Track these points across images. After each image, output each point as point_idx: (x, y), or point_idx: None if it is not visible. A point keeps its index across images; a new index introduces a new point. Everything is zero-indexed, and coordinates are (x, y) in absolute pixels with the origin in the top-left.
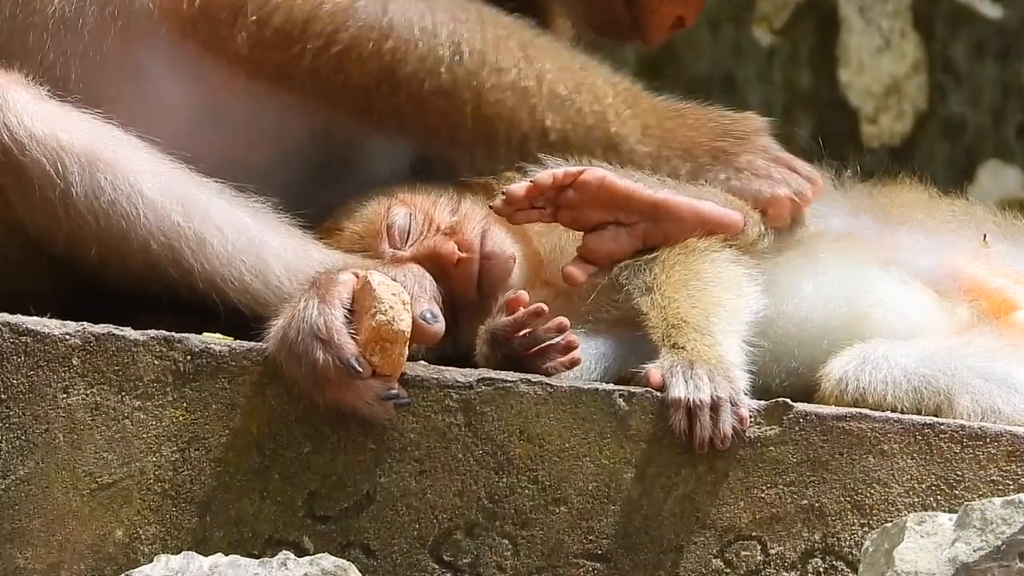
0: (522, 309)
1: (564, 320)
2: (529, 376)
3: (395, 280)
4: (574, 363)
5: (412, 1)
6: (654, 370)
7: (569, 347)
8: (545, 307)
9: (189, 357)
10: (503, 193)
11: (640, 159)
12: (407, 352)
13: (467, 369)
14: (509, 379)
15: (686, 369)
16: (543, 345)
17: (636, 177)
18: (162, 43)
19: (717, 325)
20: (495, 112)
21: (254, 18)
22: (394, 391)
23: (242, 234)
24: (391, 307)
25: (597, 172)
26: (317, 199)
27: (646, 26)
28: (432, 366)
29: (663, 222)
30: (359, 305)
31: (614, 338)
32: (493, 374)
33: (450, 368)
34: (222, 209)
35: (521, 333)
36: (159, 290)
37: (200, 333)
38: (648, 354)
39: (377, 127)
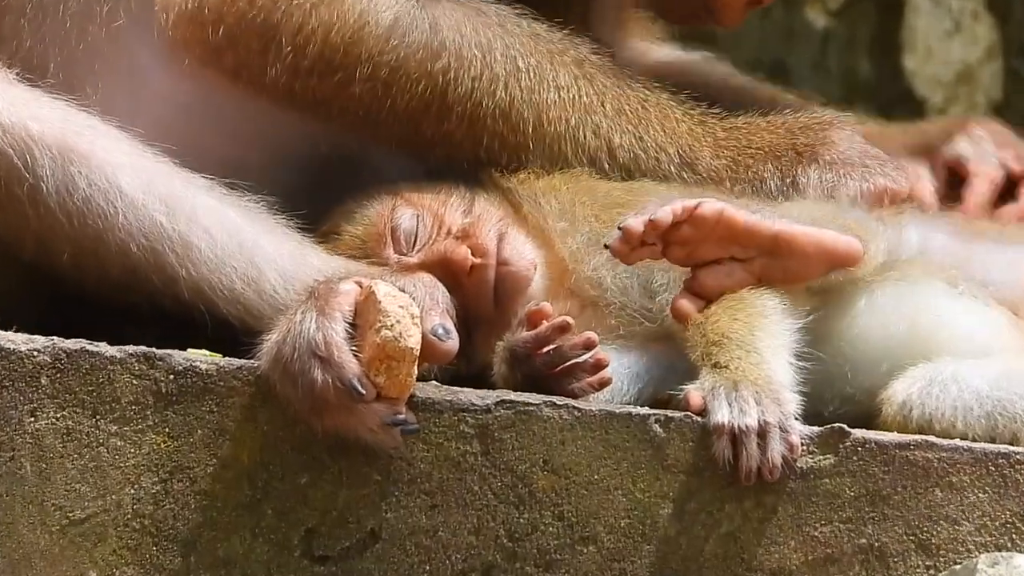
0: (545, 323)
1: (592, 335)
2: (554, 398)
3: (403, 291)
4: (604, 383)
5: (463, 16)
6: (694, 392)
7: (598, 365)
8: (571, 320)
9: (172, 376)
10: (620, 229)
11: (719, 173)
12: (416, 372)
13: (484, 390)
14: (532, 402)
15: (730, 391)
16: (569, 363)
17: (753, 207)
18: (152, 36)
19: (763, 341)
20: (557, 132)
21: (289, 48)
22: (401, 416)
23: (233, 237)
24: (398, 321)
25: (715, 204)
26: (318, 199)
27: (719, 7)
28: (445, 387)
29: (783, 257)
30: (362, 319)
31: (649, 355)
32: (513, 396)
33: (465, 389)
34: (211, 209)
35: (544, 350)
36: (139, 299)
37: (185, 349)
38: (687, 374)
39: (424, 153)
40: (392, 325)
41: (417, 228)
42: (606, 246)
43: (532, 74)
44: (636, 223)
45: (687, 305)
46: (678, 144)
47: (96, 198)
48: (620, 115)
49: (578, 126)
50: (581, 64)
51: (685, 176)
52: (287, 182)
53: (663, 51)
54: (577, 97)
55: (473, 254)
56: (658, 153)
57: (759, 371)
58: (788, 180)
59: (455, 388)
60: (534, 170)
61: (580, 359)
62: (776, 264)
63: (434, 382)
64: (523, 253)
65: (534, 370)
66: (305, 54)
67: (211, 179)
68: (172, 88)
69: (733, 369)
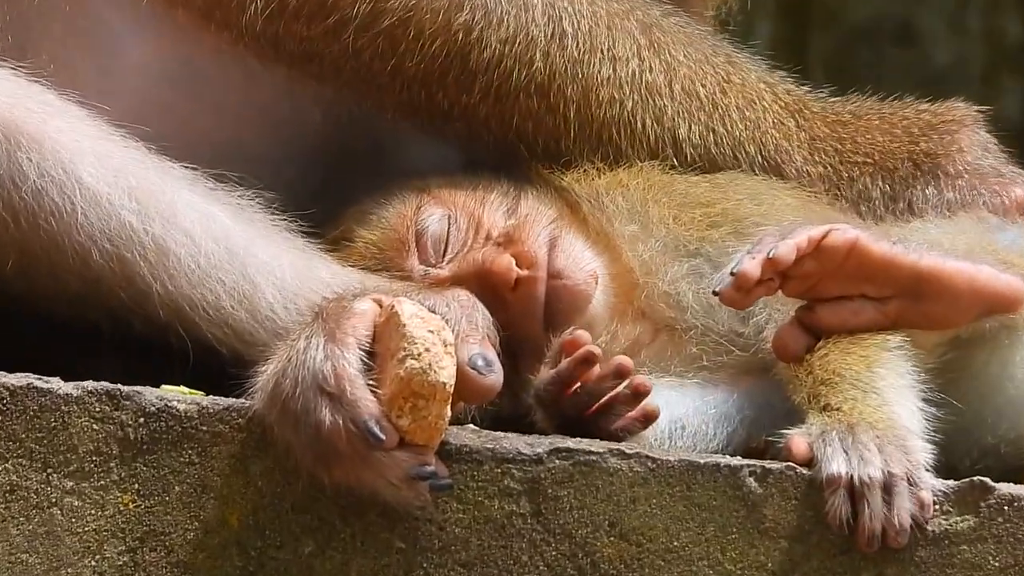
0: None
1: (624, 360)
2: (622, 446)
3: (433, 311)
4: (649, 417)
5: None
6: (798, 438)
7: (638, 394)
8: (596, 350)
9: (142, 419)
10: (733, 275)
11: (813, 183)
12: (449, 413)
13: (534, 436)
14: (594, 450)
15: (844, 436)
16: (605, 399)
17: (895, 236)
18: None
19: (885, 380)
20: (608, 117)
21: None
22: (430, 467)
23: (221, 242)
24: (427, 349)
25: (847, 233)
26: (329, 195)
27: None
28: (485, 432)
29: (928, 300)
30: (382, 346)
31: (740, 392)
32: (571, 443)
33: (510, 435)
34: (194, 207)
35: (571, 390)
36: (102, 320)
37: (158, 385)
38: (789, 415)
39: (437, 131)
40: (419, 354)
41: (449, 232)
42: (715, 293)
43: (581, 40)
44: (752, 266)
45: (794, 340)
46: (761, 140)
47: (49, 191)
48: (691, 99)
49: (636, 111)
50: (648, 30)
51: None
52: (290, 174)
53: None
54: (637, 73)
55: (518, 264)
56: (735, 150)
57: (880, 413)
58: (902, 200)
59: (498, 433)
60: (593, 166)
61: (615, 392)
62: (917, 307)
63: (471, 425)
64: (581, 262)
65: (566, 415)
66: None
67: (195, 169)
68: (147, 56)
69: (848, 411)
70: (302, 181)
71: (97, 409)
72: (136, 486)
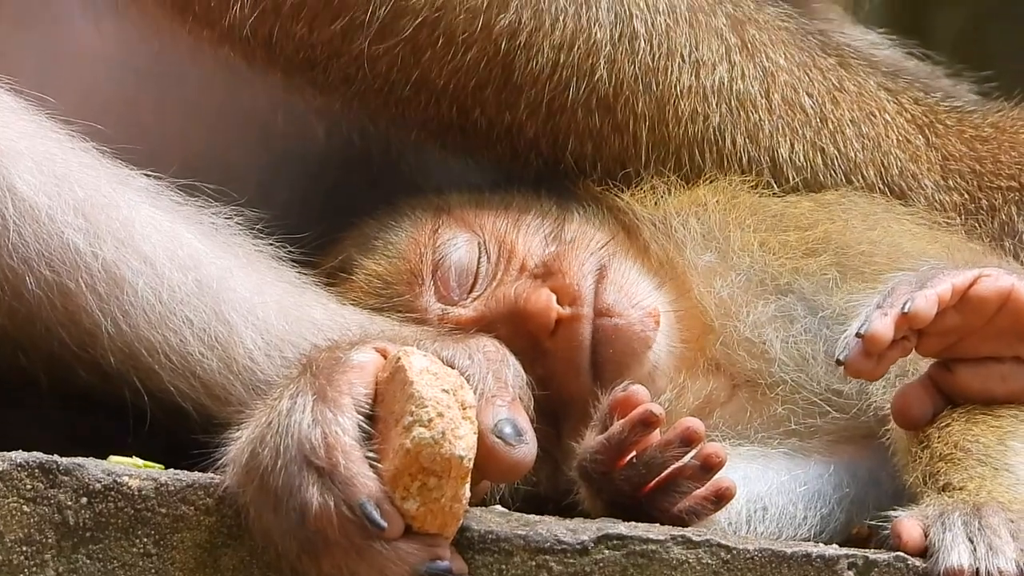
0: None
1: (693, 424)
2: (687, 532)
3: (451, 365)
4: (723, 496)
5: None
6: (910, 522)
7: (709, 466)
8: (657, 410)
9: (85, 499)
10: (860, 336)
11: (947, 212)
12: (468, 493)
13: (577, 519)
14: (653, 536)
15: (969, 519)
16: (667, 473)
17: None
18: None
19: (1021, 455)
20: (690, 135)
21: None
22: (443, 562)
23: (190, 272)
24: (439, 414)
25: (1000, 281)
26: (329, 215)
27: None
28: (517, 514)
29: None
30: (386, 409)
31: (839, 465)
32: (624, 528)
33: (547, 518)
34: (156, 226)
35: (625, 460)
36: (38, 366)
37: (105, 456)
38: (897, 495)
39: (472, 153)
40: (430, 420)
41: (477, 263)
42: (839, 362)
43: (656, 43)
44: (884, 326)
45: (920, 404)
46: (883, 162)
47: None
48: (794, 111)
49: (724, 127)
50: (740, 27)
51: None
52: (279, 187)
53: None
54: (726, 81)
55: (559, 301)
56: (850, 174)
57: (1014, 493)
58: None
59: (532, 516)
60: (662, 180)
61: (681, 463)
62: None
63: (499, 507)
64: (637, 297)
65: (617, 493)
66: None
67: (160, 179)
68: (106, 43)
69: (973, 490)
70: (293, 196)
71: (28, 487)
72: None
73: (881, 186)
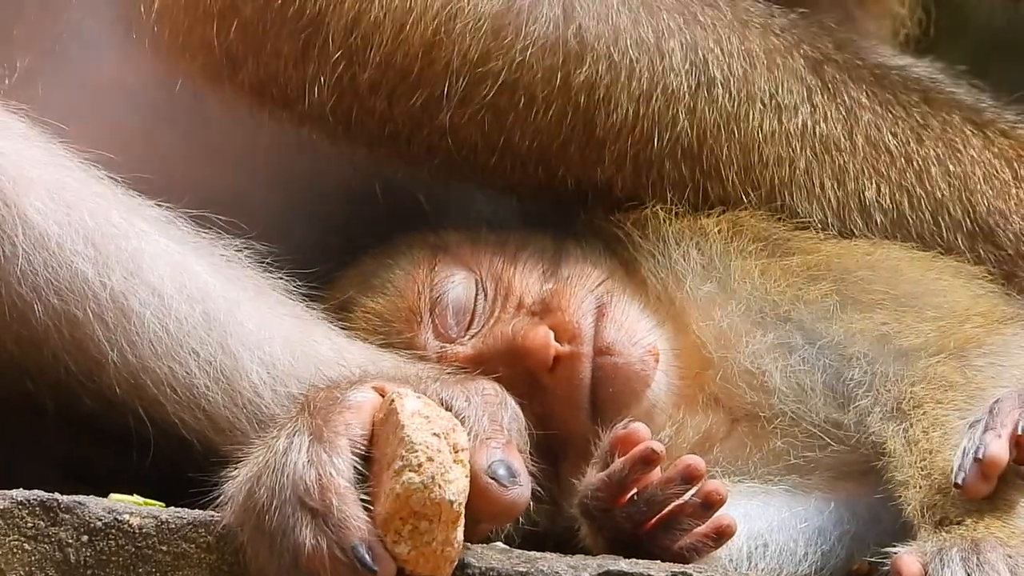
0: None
1: (694, 461)
2: (689, 569)
3: (449, 407)
4: (723, 534)
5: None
6: (909, 558)
7: (710, 503)
8: (657, 447)
9: (86, 537)
10: (979, 460)
11: None
12: (460, 536)
13: (579, 556)
14: (654, 574)
15: (967, 555)
16: (667, 510)
17: None
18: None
19: (1018, 489)
20: (777, 180)
21: (340, 52)
22: None
23: (197, 304)
24: (429, 459)
25: None
26: (341, 249)
27: None
28: (517, 551)
29: None
30: (379, 449)
31: (838, 501)
32: (625, 565)
33: (548, 555)
34: (165, 257)
35: (626, 498)
36: (43, 393)
37: (105, 493)
38: (896, 531)
39: (564, 209)
40: (420, 465)
41: (475, 300)
42: (957, 486)
43: (735, 88)
44: (1000, 449)
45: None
46: (970, 201)
47: None
48: (879, 152)
49: (811, 170)
50: (819, 68)
51: (980, 252)
52: (291, 221)
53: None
54: (810, 124)
55: (558, 338)
56: (936, 214)
57: (1011, 529)
58: None
59: (533, 553)
60: (664, 208)
61: (682, 500)
62: None
63: (500, 544)
64: (636, 335)
65: (618, 530)
66: (365, 61)
67: (170, 210)
68: (124, 68)
69: (971, 525)
70: (307, 230)
71: (29, 524)
72: None
73: (968, 225)
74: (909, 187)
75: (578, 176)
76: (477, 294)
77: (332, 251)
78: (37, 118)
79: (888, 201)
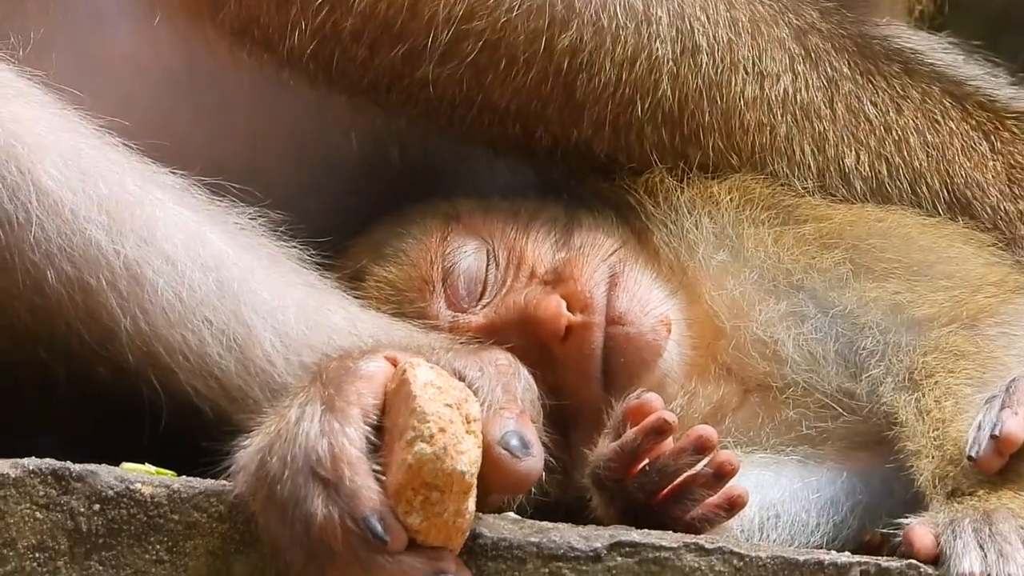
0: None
1: (706, 431)
2: (700, 539)
3: (461, 377)
4: (735, 504)
5: None
6: (922, 529)
7: (722, 474)
8: (670, 417)
9: (98, 506)
10: (995, 438)
11: (1011, 222)
12: (472, 507)
13: (590, 527)
14: (666, 544)
15: (979, 526)
16: (678, 482)
17: None
18: None
19: None
20: (759, 145)
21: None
22: (449, 575)
23: (211, 272)
24: (441, 430)
25: None
26: (355, 218)
27: None
28: (529, 521)
29: None
30: (391, 420)
31: (851, 471)
32: (637, 535)
33: (560, 525)
34: (179, 225)
35: (638, 468)
36: (57, 362)
37: (118, 462)
38: (909, 502)
39: (541, 167)
40: (432, 436)
41: (486, 270)
42: (970, 458)
43: (719, 55)
44: (1017, 427)
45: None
46: (947, 171)
47: None
48: (858, 121)
49: (791, 137)
50: (802, 36)
51: (957, 222)
52: (305, 189)
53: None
54: (791, 91)
55: (570, 308)
56: (915, 184)
57: (1023, 500)
58: None
59: (545, 523)
60: (673, 176)
61: (694, 471)
62: None
63: (512, 514)
64: (649, 305)
65: (630, 500)
66: (348, 8)
67: (184, 178)
68: (143, 41)
69: (983, 496)
70: (321, 199)
71: (41, 493)
72: None
73: (946, 195)
74: (888, 156)
75: (555, 135)
76: (489, 263)
77: (346, 220)
78: (52, 85)
79: (867, 170)
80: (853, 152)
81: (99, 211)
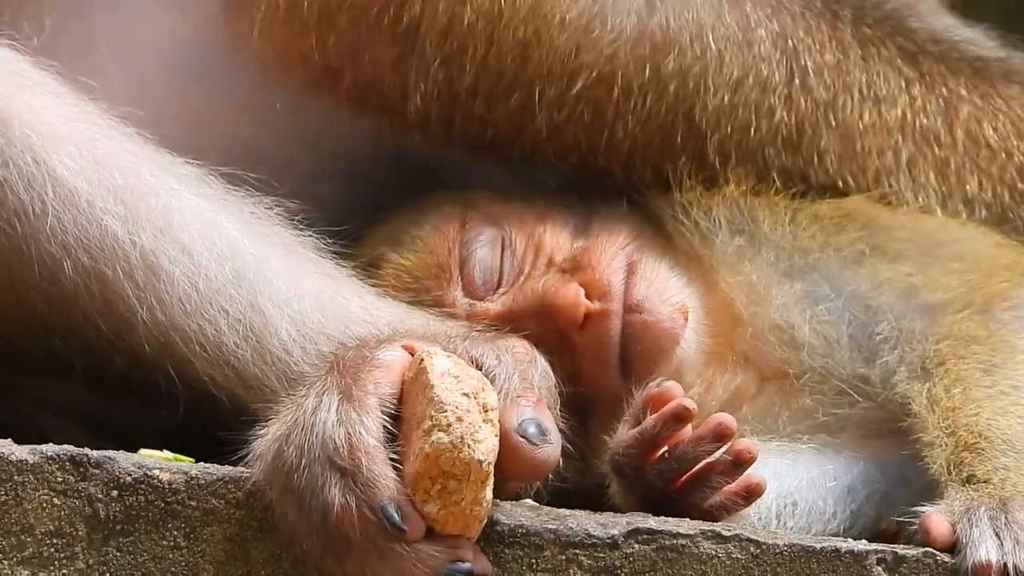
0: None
1: (725, 419)
2: (717, 527)
3: (478, 365)
4: (753, 492)
5: None
6: (938, 517)
7: (740, 462)
8: (689, 404)
9: (116, 492)
10: None
11: None
12: (490, 495)
13: (607, 514)
14: (683, 531)
15: (995, 514)
16: (697, 469)
17: None
18: None
19: None
20: (882, 169)
21: (437, 57)
22: (465, 564)
23: (227, 262)
24: (459, 419)
25: None
26: (371, 207)
27: None
28: (547, 508)
29: None
30: (408, 408)
31: (867, 460)
32: (654, 523)
33: (578, 512)
34: (196, 215)
35: (656, 455)
36: (73, 353)
37: (135, 449)
38: (925, 490)
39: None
40: (449, 425)
41: (503, 258)
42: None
43: (829, 78)
44: None
45: None
46: None
47: (14, 185)
48: (978, 147)
49: (914, 163)
50: (913, 59)
51: None
52: (322, 179)
53: None
54: (908, 115)
55: (588, 295)
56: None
57: None
58: None
59: (563, 510)
60: (688, 176)
61: (712, 458)
62: None
63: (530, 501)
64: (666, 293)
65: (648, 488)
66: (463, 65)
67: (200, 167)
68: (152, 26)
69: (998, 483)
70: (335, 187)
71: (59, 479)
72: (108, 574)
73: None
74: (1010, 182)
75: (674, 164)
76: (506, 251)
77: (362, 209)
78: (67, 74)
79: (991, 197)
80: (975, 179)
81: (115, 201)
